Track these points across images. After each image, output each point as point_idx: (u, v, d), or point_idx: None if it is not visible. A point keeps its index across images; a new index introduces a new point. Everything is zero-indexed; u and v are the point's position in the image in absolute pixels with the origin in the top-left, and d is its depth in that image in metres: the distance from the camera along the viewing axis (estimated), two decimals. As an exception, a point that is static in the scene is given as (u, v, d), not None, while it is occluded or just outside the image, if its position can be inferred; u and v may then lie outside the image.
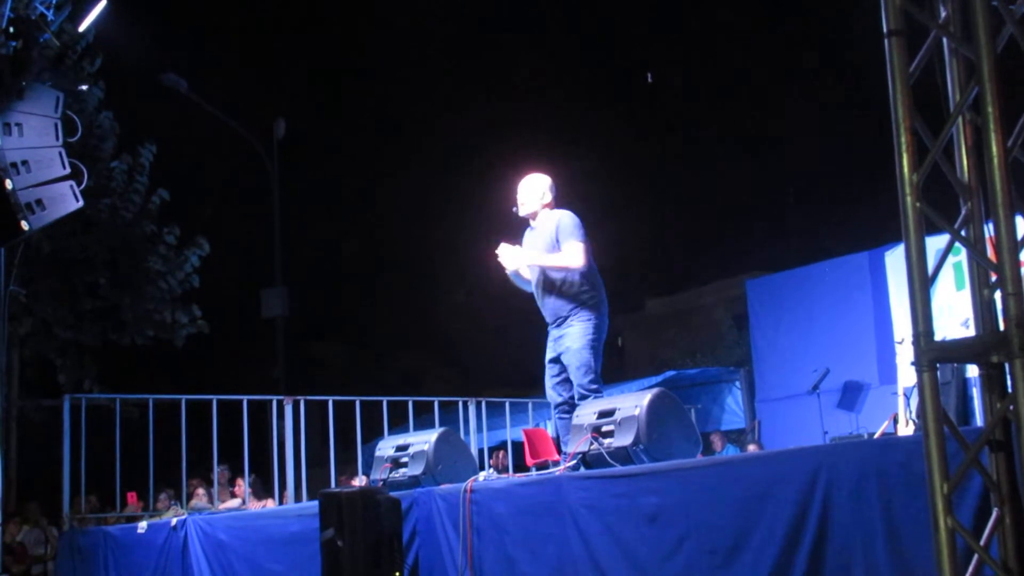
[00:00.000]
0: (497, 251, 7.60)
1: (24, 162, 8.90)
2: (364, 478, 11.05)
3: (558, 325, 7.46)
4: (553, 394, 7.54)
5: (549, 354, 7.55)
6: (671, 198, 29.06)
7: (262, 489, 12.99)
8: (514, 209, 7.75)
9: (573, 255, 7.35)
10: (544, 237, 7.53)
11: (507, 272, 7.73)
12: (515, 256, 7.57)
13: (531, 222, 7.70)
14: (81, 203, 9.35)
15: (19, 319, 14.26)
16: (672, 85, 30.46)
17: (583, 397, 7.21)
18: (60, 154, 9.15)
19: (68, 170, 9.18)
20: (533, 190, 7.68)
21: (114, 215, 15.01)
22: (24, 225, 8.91)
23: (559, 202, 7.73)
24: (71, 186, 9.22)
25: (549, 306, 7.49)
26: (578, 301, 7.38)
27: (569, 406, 7.41)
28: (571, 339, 7.33)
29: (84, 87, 14.47)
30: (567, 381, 7.42)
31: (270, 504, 11.64)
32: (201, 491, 12.20)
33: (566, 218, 7.51)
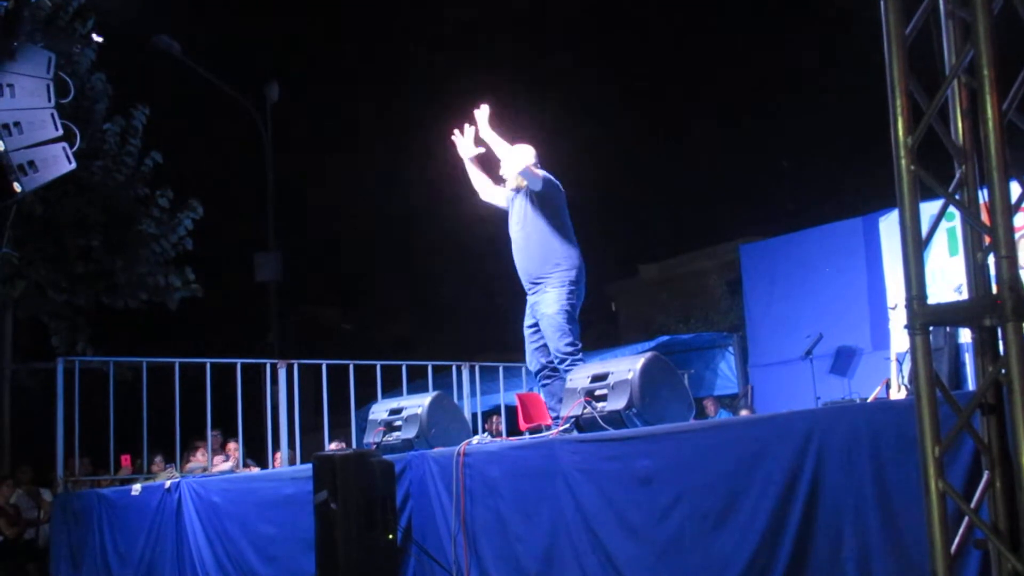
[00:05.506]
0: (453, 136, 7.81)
1: (16, 123, 8.85)
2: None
3: (535, 291, 7.45)
4: (533, 361, 7.60)
5: (527, 320, 7.57)
6: (664, 162, 28.96)
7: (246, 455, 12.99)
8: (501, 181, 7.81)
9: (524, 151, 7.50)
10: (528, 198, 7.55)
11: (464, 159, 7.86)
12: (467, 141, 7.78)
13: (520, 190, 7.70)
14: (74, 165, 9.30)
15: (12, 282, 14.24)
16: (665, 48, 30.32)
17: (561, 361, 7.22)
18: (52, 115, 9.08)
19: (60, 132, 9.12)
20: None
21: (107, 177, 14.95)
22: (16, 187, 8.87)
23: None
24: (64, 148, 9.16)
25: (524, 268, 7.49)
26: (553, 264, 7.37)
27: (549, 371, 7.43)
28: (546, 304, 7.34)
29: (77, 48, 14.38)
30: (545, 347, 7.44)
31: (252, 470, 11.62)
32: (199, 454, 12.20)
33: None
